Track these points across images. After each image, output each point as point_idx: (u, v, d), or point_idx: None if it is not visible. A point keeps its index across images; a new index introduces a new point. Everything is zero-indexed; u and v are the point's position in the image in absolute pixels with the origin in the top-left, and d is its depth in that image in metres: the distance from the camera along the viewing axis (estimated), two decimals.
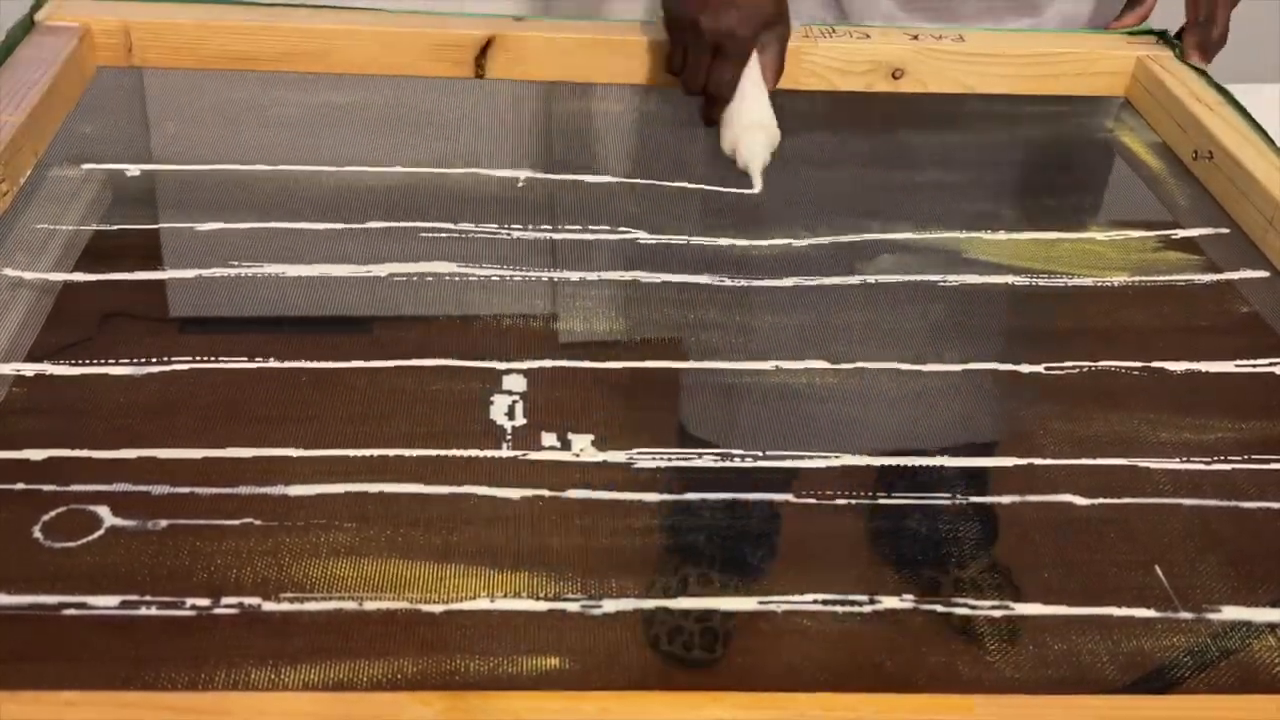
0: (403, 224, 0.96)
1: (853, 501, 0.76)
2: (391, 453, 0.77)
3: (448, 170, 1.02)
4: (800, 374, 0.86)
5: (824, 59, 1.08)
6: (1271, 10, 1.77)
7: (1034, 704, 0.58)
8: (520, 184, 1.01)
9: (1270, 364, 0.87)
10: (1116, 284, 0.94)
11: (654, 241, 0.96)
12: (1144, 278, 0.95)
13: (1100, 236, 1.00)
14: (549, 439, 0.78)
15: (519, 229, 0.96)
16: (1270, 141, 0.97)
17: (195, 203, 0.97)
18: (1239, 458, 0.79)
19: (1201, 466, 0.79)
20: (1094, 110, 1.12)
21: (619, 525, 0.75)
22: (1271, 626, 0.68)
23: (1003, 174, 1.07)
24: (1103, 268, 0.96)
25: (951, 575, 0.90)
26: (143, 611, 0.65)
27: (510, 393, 0.82)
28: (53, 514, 0.70)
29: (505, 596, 0.68)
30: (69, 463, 0.73)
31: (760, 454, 0.78)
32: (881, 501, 0.76)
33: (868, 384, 0.86)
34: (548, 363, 0.84)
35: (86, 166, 0.97)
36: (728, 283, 0.93)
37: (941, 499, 0.77)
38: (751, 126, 0.96)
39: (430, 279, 0.91)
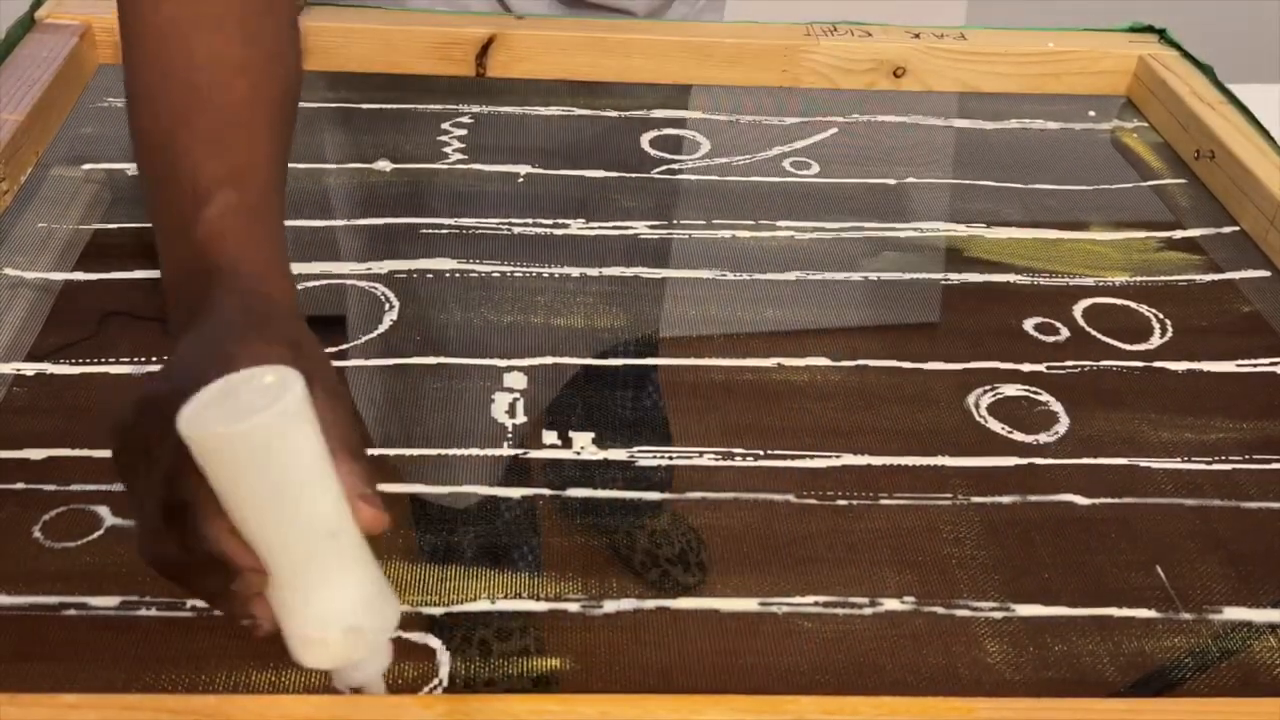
0: (403, 220, 0.96)
1: (853, 502, 0.76)
2: (392, 452, 0.77)
3: (449, 166, 1.02)
4: (802, 371, 0.86)
5: (825, 57, 1.08)
6: (1271, 10, 1.77)
7: (1036, 706, 0.57)
8: (521, 179, 1.01)
9: (1271, 364, 0.87)
10: (1117, 284, 0.94)
11: (655, 237, 0.96)
12: (1145, 277, 0.95)
13: (1101, 236, 1.00)
14: (550, 437, 0.78)
15: (520, 225, 0.96)
16: (1272, 141, 0.97)
17: None
18: (1240, 458, 0.79)
19: (1202, 466, 0.79)
20: (1095, 109, 1.12)
21: (620, 524, 0.75)
22: (1272, 627, 0.68)
23: (1004, 173, 1.07)
24: (1103, 267, 0.96)
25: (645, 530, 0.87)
26: (143, 612, 0.65)
27: (511, 390, 0.82)
28: (53, 514, 0.70)
29: (506, 597, 0.68)
30: (69, 462, 0.74)
31: (761, 453, 0.78)
32: (883, 503, 0.76)
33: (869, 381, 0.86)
34: (549, 360, 0.84)
35: (86, 166, 0.97)
36: (730, 277, 0.93)
37: (942, 499, 0.77)
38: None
39: (431, 276, 0.91)
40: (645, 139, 1.07)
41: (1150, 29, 1.13)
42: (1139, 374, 0.86)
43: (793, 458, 0.78)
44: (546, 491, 0.75)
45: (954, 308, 0.94)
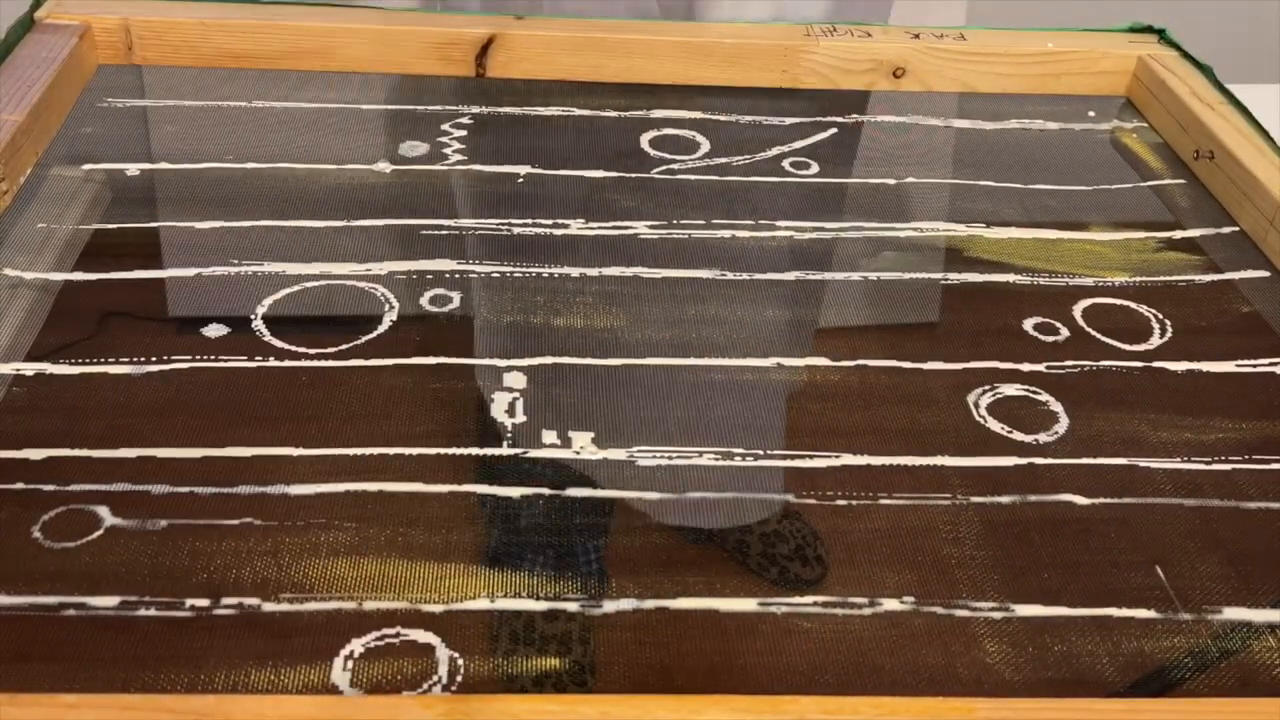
0: (402, 221, 0.96)
1: (853, 502, 0.76)
2: (391, 451, 0.77)
3: (448, 167, 1.02)
4: (801, 370, 0.86)
5: (825, 58, 1.08)
6: (1271, 10, 1.77)
7: (1035, 706, 0.58)
8: (520, 180, 1.01)
9: (1270, 364, 0.87)
10: (1117, 284, 0.94)
11: (655, 237, 0.96)
12: (1144, 278, 0.95)
13: (1100, 236, 1.00)
14: (549, 436, 0.78)
15: (520, 225, 0.96)
16: (1271, 141, 0.97)
17: (195, 202, 0.97)
18: (1239, 458, 0.79)
19: (1202, 466, 0.79)
20: (1095, 109, 1.12)
21: (619, 524, 0.75)
22: (1272, 627, 0.68)
23: (1003, 173, 1.07)
24: (1103, 267, 0.96)
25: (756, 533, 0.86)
26: (142, 612, 0.65)
27: (511, 390, 0.82)
28: (52, 514, 0.70)
29: (505, 596, 0.68)
30: (69, 462, 0.74)
31: (761, 453, 0.78)
32: (883, 502, 0.76)
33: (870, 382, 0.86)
34: (548, 359, 0.84)
35: (86, 166, 0.97)
36: (730, 277, 0.93)
37: (942, 499, 0.77)
38: None
39: (430, 276, 0.91)
40: (645, 139, 1.07)
41: (1150, 29, 1.13)
42: (1139, 374, 0.86)
43: (792, 458, 0.78)
44: (546, 491, 0.75)
45: (953, 308, 0.94)
